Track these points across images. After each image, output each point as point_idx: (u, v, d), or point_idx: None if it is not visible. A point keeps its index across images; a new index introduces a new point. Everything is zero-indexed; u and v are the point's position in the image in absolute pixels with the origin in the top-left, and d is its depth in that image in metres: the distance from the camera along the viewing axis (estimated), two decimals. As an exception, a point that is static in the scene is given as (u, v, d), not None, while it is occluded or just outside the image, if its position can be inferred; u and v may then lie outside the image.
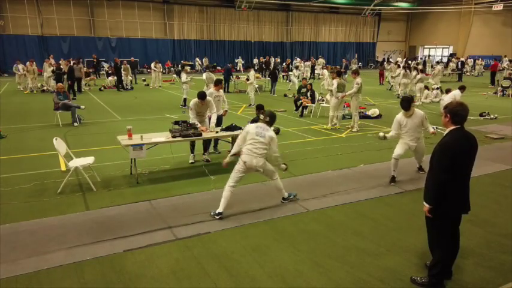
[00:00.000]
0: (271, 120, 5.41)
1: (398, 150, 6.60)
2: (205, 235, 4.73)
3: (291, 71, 25.05)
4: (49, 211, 5.37)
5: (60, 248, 4.40)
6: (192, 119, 7.37)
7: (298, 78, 21.57)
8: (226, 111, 8.58)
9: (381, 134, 6.71)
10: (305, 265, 4.08)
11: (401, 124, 6.50)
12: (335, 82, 10.62)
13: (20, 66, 19.76)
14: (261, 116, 5.63)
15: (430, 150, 3.62)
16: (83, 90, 19.73)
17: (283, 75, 27.18)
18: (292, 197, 5.78)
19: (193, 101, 7.40)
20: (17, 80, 20.51)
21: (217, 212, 5.18)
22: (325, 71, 19.54)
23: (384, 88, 22.25)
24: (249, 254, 4.30)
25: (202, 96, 7.31)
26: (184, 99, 14.73)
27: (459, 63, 29.48)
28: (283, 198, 5.72)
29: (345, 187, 6.39)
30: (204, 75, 14.97)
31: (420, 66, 20.55)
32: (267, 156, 5.34)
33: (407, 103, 6.36)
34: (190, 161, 7.72)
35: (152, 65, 22.50)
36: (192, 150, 7.78)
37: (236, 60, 35.49)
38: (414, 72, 17.35)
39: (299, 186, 6.40)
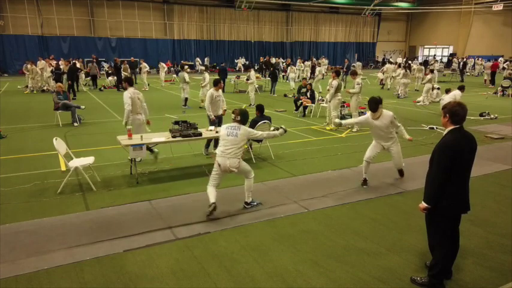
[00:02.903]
0: (242, 118, 5.22)
1: (369, 152, 6.42)
2: (205, 235, 4.73)
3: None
4: (49, 211, 5.37)
5: (60, 248, 4.40)
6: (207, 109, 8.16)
7: (297, 78, 21.58)
8: (225, 110, 8.61)
9: (337, 120, 6.49)
10: (305, 265, 4.08)
11: (370, 125, 6.28)
12: (335, 82, 10.63)
13: (30, 66, 19.75)
14: (232, 116, 5.35)
15: (430, 150, 3.62)
16: (85, 89, 19.75)
17: (283, 75, 27.16)
18: (255, 204, 5.55)
19: (210, 91, 8.22)
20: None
21: (210, 202, 5.10)
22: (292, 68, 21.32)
23: (383, 88, 22.23)
24: (249, 254, 4.30)
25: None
26: (186, 99, 14.73)
27: (462, 63, 29.30)
28: (246, 203, 5.49)
29: (345, 187, 6.39)
30: (179, 74, 15.11)
31: (432, 67, 20.51)
32: (241, 155, 5.24)
33: (374, 104, 6.02)
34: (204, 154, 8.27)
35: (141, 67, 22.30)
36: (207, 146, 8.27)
37: (236, 61, 35.46)
38: (415, 66, 17.35)
39: (299, 186, 6.41)
